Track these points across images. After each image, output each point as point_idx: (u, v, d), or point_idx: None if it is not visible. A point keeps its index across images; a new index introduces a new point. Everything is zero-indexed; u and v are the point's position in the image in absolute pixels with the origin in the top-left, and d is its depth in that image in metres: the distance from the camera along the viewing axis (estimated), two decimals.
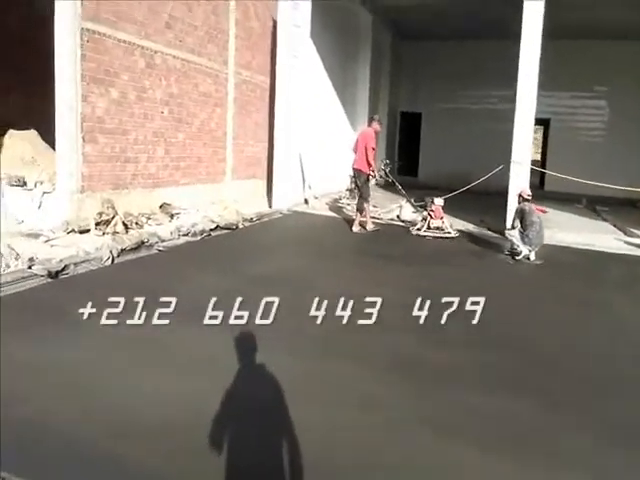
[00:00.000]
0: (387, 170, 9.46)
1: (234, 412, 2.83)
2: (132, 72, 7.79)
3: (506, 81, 16.18)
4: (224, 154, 10.40)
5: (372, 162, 8.30)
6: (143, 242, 6.44)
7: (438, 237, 8.19)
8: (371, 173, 8.40)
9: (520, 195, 7.12)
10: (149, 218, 8.30)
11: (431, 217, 8.38)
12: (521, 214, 6.92)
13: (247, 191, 11.05)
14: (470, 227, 9.14)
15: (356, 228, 8.31)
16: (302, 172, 10.60)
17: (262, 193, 11.59)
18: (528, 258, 6.80)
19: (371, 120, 8.65)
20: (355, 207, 8.72)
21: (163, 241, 6.77)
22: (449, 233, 8.29)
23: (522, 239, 6.83)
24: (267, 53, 11.51)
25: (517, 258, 6.84)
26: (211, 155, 10.00)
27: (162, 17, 8.32)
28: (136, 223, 7.88)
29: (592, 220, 10.84)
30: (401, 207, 10.04)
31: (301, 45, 9.93)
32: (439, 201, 8.43)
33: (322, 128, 11.78)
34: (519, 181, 8.23)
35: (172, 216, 8.57)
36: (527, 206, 6.98)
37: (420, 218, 8.69)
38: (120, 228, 7.40)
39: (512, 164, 8.32)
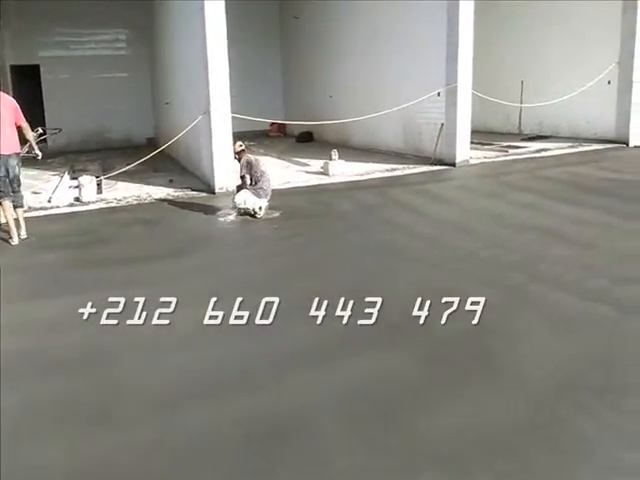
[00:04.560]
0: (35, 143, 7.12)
1: None
2: None
3: (121, 22, 14.63)
4: None
5: (31, 138, 6.08)
6: None
7: None
8: (35, 152, 6.15)
9: (241, 151, 6.53)
10: None
11: None
12: (249, 167, 6.42)
13: None
14: (170, 191, 8.08)
15: (16, 238, 5.64)
16: None
17: None
18: (258, 210, 6.44)
19: None
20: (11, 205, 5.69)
21: None
22: None
23: (257, 194, 6.42)
24: None
25: (258, 216, 6.44)
26: None
27: None
28: None
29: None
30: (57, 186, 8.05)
31: None
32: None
33: None
34: (222, 130, 7.63)
35: None
36: (252, 157, 6.52)
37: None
38: None
39: (212, 113, 7.56)
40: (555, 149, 10.65)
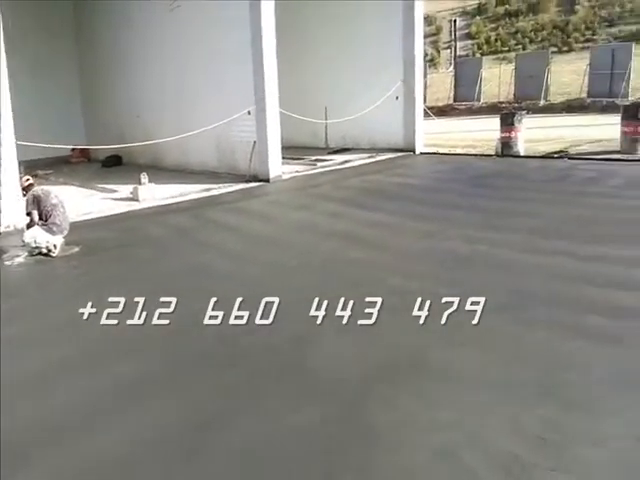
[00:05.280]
0: None
1: None
2: None
3: None
4: None
5: None
6: None
7: None
8: None
9: (29, 185, 5.83)
10: None
11: None
12: (36, 203, 5.73)
13: None
14: None
15: None
16: None
17: None
18: (53, 248, 5.80)
19: None
20: None
21: None
22: None
23: (50, 230, 5.75)
24: None
25: (53, 254, 5.76)
26: None
27: None
28: None
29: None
30: None
31: None
32: None
33: None
34: (3, 161, 6.70)
35: None
36: (40, 190, 5.85)
37: None
38: None
39: None
40: (356, 160, 11.68)
